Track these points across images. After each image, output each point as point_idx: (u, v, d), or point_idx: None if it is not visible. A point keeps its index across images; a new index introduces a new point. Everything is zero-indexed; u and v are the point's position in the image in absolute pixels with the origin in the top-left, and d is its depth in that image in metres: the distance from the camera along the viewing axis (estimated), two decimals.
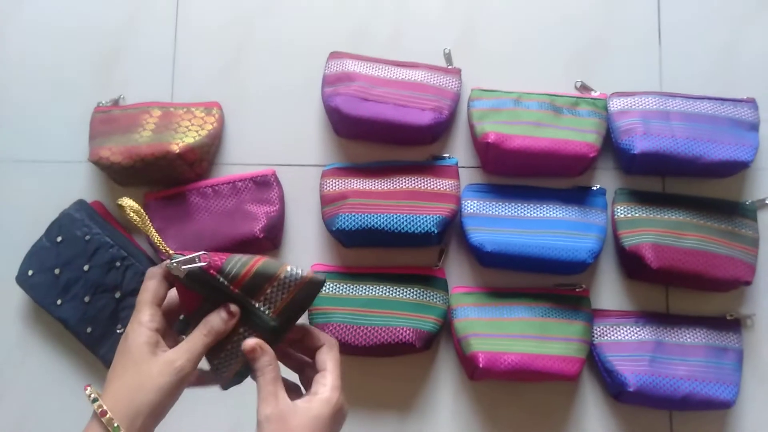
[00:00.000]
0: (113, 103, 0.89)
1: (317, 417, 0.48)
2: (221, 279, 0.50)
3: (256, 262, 0.50)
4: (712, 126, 0.80)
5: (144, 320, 0.50)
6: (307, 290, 0.51)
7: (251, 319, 0.51)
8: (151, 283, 0.51)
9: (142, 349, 0.48)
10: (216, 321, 0.50)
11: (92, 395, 0.48)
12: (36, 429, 0.82)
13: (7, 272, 0.83)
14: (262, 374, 0.50)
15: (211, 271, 0.50)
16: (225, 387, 0.52)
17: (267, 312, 0.51)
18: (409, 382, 0.81)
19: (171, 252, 0.50)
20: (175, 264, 0.49)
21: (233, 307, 0.50)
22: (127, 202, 0.49)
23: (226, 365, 0.51)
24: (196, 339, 0.50)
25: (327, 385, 0.50)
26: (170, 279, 0.51)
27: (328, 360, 0.52)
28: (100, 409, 0.47)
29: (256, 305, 0.50)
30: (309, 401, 0.50)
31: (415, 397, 0.81)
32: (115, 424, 0.46)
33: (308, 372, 0.54)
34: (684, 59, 0.88)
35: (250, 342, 0.50)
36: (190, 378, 0.49)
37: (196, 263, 0.49)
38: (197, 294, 0.50)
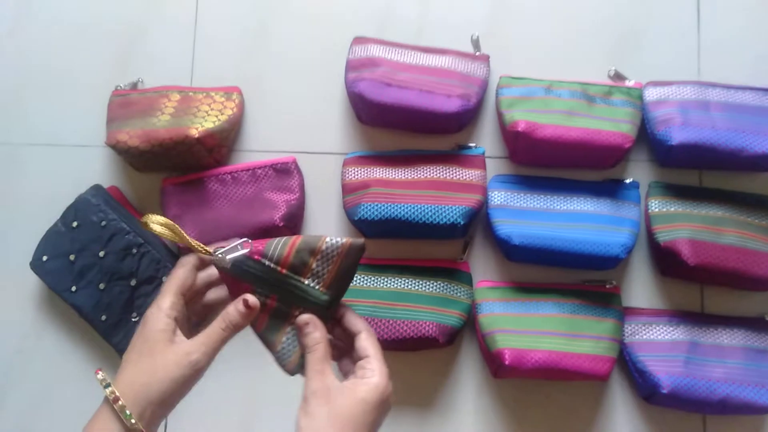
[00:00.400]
0: (132, 86, 0.87)
1: (364, 400, 0.47)
2: (267, 262, 0.49)
3: (296, 240, 0.50)
4: (755, 117, 0.76)
5: (164, 307, 0.48)
6: (350, 257, 0.50)
7: (303, 297, 0.50)
8: (181, 271, 0.50)
9: (159, 336, 0.47)
10: (234, 314, 0.49)
11: (104, 380, 0.47)
12: (49, 416, 0.81)
13: (22, 257, 0.82)
14: (311, 351, 0.49)
15: (256, 257, 0.49)
16: (293, 372, 0.52)
17: (317, 287, 0.50)
18: (430, 378, 0.79)
19: (211, 251, 0.50)
20: (219, 255, 0.49)
21: (251, 300, 0.49)
22: (153, 219, 0.49)
23: (288, 352, 0.51)
24: (214, 333, 0.49)
25: (375, 371, 0.48)
26: (201, 269, 0.52)
27: (370, 346, 0.50)
28: (113, 395, 0.46)
29: (305, 282, 0.50)
30: (355, 384, 0.48)
31: (436, 394, 0.78)
32: (128, 412, 0.45)
33: (346, 361, 0.53)
34: (724, 47, 0.84)
35: (304, 317, 0.50)
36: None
37: (239, 251, 0.49)
38: (246, 284, 0.50)
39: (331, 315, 0.51)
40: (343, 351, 0.54)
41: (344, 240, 0.50)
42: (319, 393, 0.47)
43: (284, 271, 0.50)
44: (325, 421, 0.45)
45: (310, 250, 0.50)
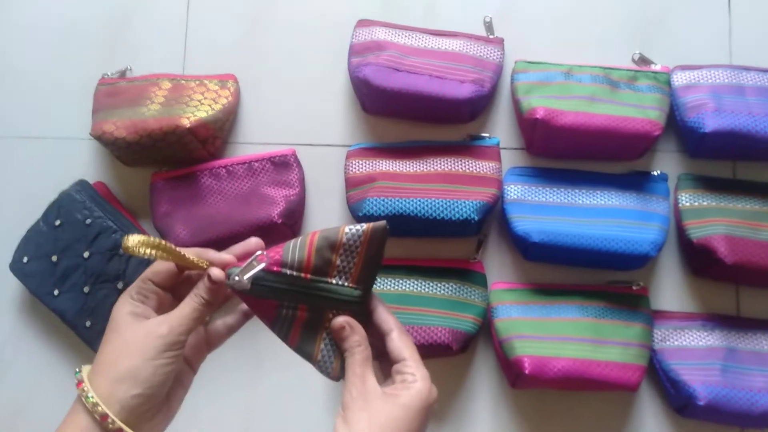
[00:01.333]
0: (119, 74, 0.82)
1: (406, 406, 0.43)
2: (288, 272, 0.44)
3: (313, 237, 0.45)
4: None
5: (131, 291, 0.46)
6: (374, 243, 0.46)
7: (334, 299, 0.45)
8: (156, 263, 0.47)
9: (125, 319, 0.44)
10: (202, 289, 0.45)
11: (77, 370, 0.44)
12: (29, 429, 0.75)
13: (1, 259, 0.76)
14: (351, 354, 0.45)
15: (275, 269, 0.44)
16: (338, 379, 0.47)
17: (345, 284, 0.46)
18: (443, 389, 0.72)
19: (215, 273, 0.45)
20: (236, 278, 0.44)
21: (215, 274, 0.44)
22: (134, 241, 0.43)
23: (329, 360, 0.46)
24: (186, 305, 0.45)
25: (417, 375, 0.44)
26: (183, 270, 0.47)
27: (404, 347, 0.46)
28: (76, 381, 0.42)
29: (333, 282, 0.45)
30: (396, 389, 0.44)
31: (449, 406, 0.72)
32: (89, 394, 0.41)
33: (385, 362, 0.48)
34: (757, 29, 0.78)
35: (339, 320, 0.45)
36: (181, 348, 0.44)
37: (255, 267, 0.44)
38: (269, 301, 0.45)
39: (366, 309, 0.47)
40: (381, 350, 0.49)
41: (364, 227, 0.45)
42: (359, 399, 0.43)
43: (308, 276, 0.45)
44: (365, 429, 0.41)
45: (330, 245, 0.45)
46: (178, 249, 0.44)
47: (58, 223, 0.75)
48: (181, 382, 0.47)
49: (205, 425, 0.74)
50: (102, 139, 0.74)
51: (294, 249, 0.45)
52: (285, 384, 0.74)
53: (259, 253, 0.45)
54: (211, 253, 0.46)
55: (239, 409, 0.74)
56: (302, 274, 0.45)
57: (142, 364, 0.42)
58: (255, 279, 0.44)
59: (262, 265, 0.44)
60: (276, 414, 0.74)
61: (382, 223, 0.46)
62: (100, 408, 0.41)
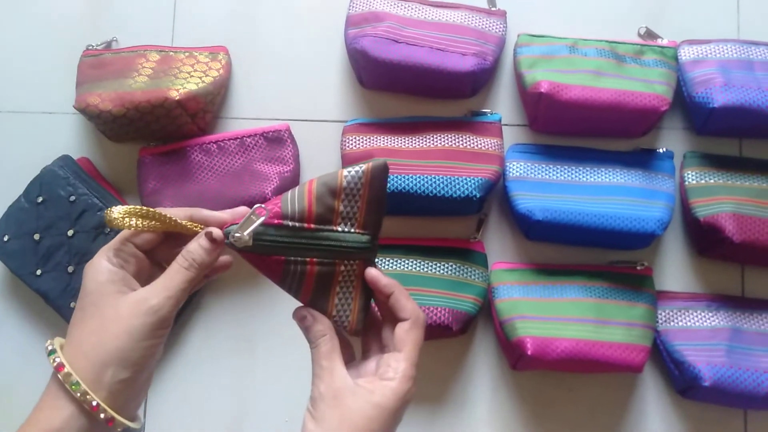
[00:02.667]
0: (105, 46, 0.78)
1: (380, 406, 0.40)
2: (290, 223, 0.42)
3: (311, 185, 0.43)
4: None
5: (108, 254, 0.40)
6: (375, 183, 0.44)
7: (342, 247, 0.43)
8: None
9: (105, 288, 0.39)
10: (197, 251, 0.41)
11: (49, 347, 0.39)
12: (11, 414, 0.72)
13: None
14: (316, 346, 0.42)
15: (276, 221, 0.42)
16: (357, 333, 0.45)
17: (352, 230, 0.43)
18: (442, 371, 0.70)
19: (222, 233, 0.42)
20: (237, 236, 0.41)
21: (216, 232, 0.42)
22: (119, 212, 0.40)
23: (344, 314, 0.44)
24: (176, 274, 0.40)
25: (399, 372, 0.41)
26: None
27: (408, 340, 0.43)
28: (56, 363, 0.38)
29: (338, 229, 0.43)
30: (372, 384, 0.41)
31: (448, 388, 0.70)
32: (74, 380, 0.37)
33: (375, 337, 0.46)
34: (765, 2, 0.76)
35: (300, 311, 0.43)
36: (171, 324, 0.40)
37: (255, 221, 0.41)
38: (275, 257, 0.42)
39: (375, 253, 0.45)
40: (370, 322, 0.47)
41: (364, 166, 0.43)
42: (328, 396, 0.40)
43: (312, 225, 0.42)
44: (335, 428, 0.39)
45: (331, 191, 0.42)
46: (168, 215, 0.41)
47: (40, 200, 0.72)
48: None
49: (198, 409, 0.71)
50: (86, 112, 0.71)
51: (293, 199, 0.42)
52: (277, 366, 0.72)
53: (256, 206, 0.42)
54: (205, 212, 0.43)
55: (232, 392, 0.72)
56: (305, 225, 0.42)
57: (132, 345, 0.38)
58: (256, 235, 0.41)
59: (262, 219, 0.41)
60: (269, 396, 0.71)
61: (381, 160, 0.44)
62: (89, 397, 0.37)
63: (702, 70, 0.70)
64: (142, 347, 0.39)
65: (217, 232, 0.42)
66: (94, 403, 0.37)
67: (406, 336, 0.43)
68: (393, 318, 0.45)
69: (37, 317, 0.74)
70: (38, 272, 0.71)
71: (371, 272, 0.44)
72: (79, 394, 0.37)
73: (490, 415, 0.70)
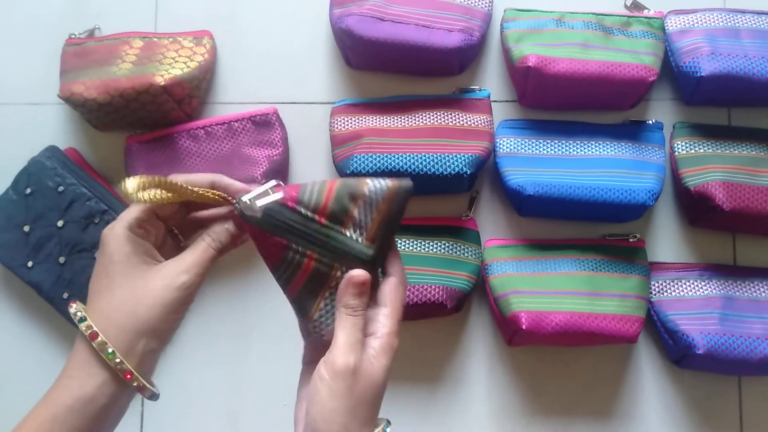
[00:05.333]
0: (88, 34, 0.77)
1: (386, 370, 0.40)
2: (303, 210, 0.41)
3: (333, 184, 0.42)
4: None
5: (127, 220, 0.40)
6: (397, 202, 0.42)
7: (345, 252, 0.42)
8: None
9: (132, 259, 0.39)
10: (222, 233, 0.42)
11: (78, 313, 0.39)
12: (5, 407, 0.72)
13: None
14: (354, 314, 0.41)
15: (290, 204, 0.41)
16: (329, 345, 0.43)
17: (359, 239, 0.42)
18: (437, 349, 0.71)
19: (232, 199, 0.41)
20: (248, 201, 0.40)
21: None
22: (133, 184, 0.39)
23: (326, 321, 0.43)
24: (204, 251, 0.41)
25: (388, 327, 0.41)
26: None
27: (393, 298, 0.42)
28: (90, 331, 0.38)
29: (347, 233, 0.42)
30: (374, 348, 0.40)
31: (444, 366, 0.70)
32: (110, 350, 0.38)
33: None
34: None
35: (360, 275, 0.41)
36: (194, 296, 0.41)
37: (271, 195, 0.40)
38: (278, 238, 0.41)
39: (376, 274, 0.43)
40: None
41: (390, 182, 0.42)
42: (349, 372, 0.39)
43: (323, 221, 0.42)
44: (344, 403, 0.39)
45: (350, 195, 0.42)
46: (187, 184, 0.40)
47: (28, 191, 0.71)
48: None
49: (195, 393, 0.71)
50: (71, 100, 0.70)
51: (312, 190, 0.42)
52: (271, 354, 0.72)
53: (275, 182, 0.41)
54: (227, 180, 0.42)
55: (228, 377, 0.72)
56: (317, 217, 0.41)
57: (164, 317, 0.39)
58: (267, 210, 0.40)
59: (279, 195, 0.41)
60: (264, 383, 0.71)
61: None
62: (124, 366, 0.38)
63: (689, 40, 0.69)
64: (172, 319, 0.40)
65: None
66: (128, 370, 0.38)
67: (391, 294, 0.42)
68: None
69: (29, 309, 0.74)
70: (29, 264, 0.70)
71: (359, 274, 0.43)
72: (114, 363, 0.38)
73: (487, 392, 0.70)
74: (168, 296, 0.39)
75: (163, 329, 0.40)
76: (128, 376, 0.38)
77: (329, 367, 0.39)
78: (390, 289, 0.42)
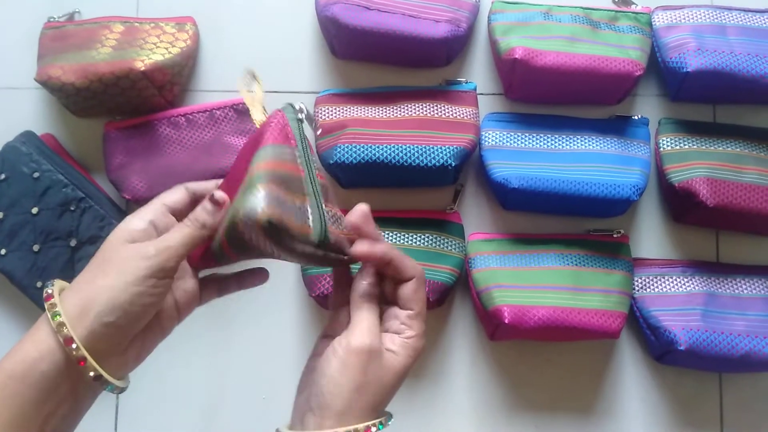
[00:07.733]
0: (67, 18, 0.75)
1: (405, 368, 0.42)
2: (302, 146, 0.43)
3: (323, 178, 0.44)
4: None
5: (145, 216, 0.41)
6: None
7: (317, 188, 0.43)
8: (171, 191, 0.44)
9: (115, 244, 0.40)
10: (200, 211, 0.41)
11: (51, 286, 0.40)
12: None
13: None
14: (370, 301, 0.42)
15: (292, 142, 0.43)
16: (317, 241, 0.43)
17: (322, 201, 0.43)
18: None
19: (217, 194, 0.43)
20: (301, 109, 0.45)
21: (218, 194, 0.42)
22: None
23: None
24: (176, 230, 0.41)
25: (416, 331, 0.43)
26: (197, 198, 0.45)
27: (417, 299, 0.43)
28: (46, 294, 0.38)
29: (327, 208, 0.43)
30: (395, 344, 0.42)
31: (426, 360, 0.70)
32: (57, 311, 0.37)
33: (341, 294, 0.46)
34: None
35: (364, 248, 0.43)
36: (167, 279, 0.40)
37: (303, 111, 0.46)
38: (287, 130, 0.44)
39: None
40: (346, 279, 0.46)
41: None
42: (364, 351, 0.40)
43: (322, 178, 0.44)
44: (354, 379, 0.40)
45: (326, 196, 0.44)
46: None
47: (2, 177, 0.69)
48: (162, 326, 0.43)
49: (172, 387, 0.70)
50: (48, 84, 0.68)
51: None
52: (254, 344, 0.70)
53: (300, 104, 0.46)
54: (195, 185, 0.46)
55: (207, 370, 0.70)
56: (317, 173, 0.43)
57: (121, 286, 0.38)
58: (306, 116, 0.45)
59: (303, 114, 0.45)
60: (246, 374, 0.70)
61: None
62: (65, 330, 0.37)
63: (676, 35, 0.69)
64: (132, 292, 0.38)
65: (219, 194, 0.42)
66: (69, 336, 0.37)
67: (414, 296, 0.43)
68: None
69: (2, 298, 0.72)
70: (2, 252, 0.69)
71: (359, 248, 0.43)
72: (56, 325, 0.37)
73: (469, 386, 0.69)
74: (128, 264, 0.38)
75: (120, 300, 0.38)
76: (68, 343, 0.37)
77: (345, 342, 0.40)
78: (413, 291, 0.43)
